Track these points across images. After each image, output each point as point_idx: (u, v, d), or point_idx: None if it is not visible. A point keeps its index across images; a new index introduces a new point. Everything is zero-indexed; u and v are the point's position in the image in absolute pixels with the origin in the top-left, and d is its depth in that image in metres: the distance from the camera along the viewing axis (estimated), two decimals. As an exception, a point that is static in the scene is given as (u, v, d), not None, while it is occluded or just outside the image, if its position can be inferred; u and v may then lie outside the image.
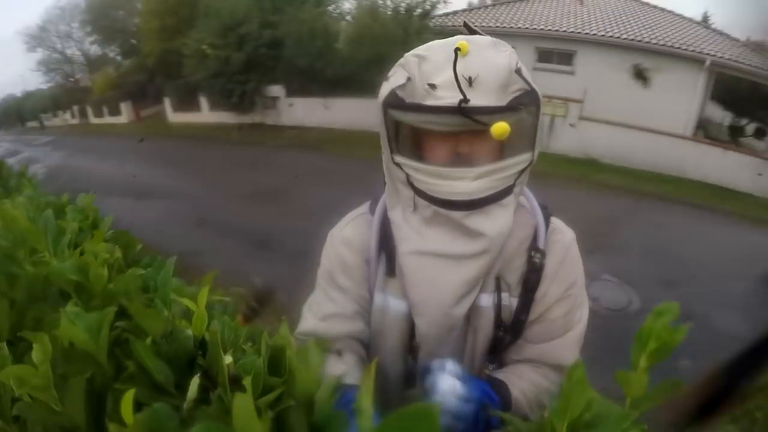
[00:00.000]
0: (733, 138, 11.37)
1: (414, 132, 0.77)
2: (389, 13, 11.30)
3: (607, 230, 5.89)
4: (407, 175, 0.76)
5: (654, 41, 10.17)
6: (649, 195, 7.90)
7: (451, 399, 0.68)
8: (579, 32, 10.73)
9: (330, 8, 13.57)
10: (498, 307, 0.80)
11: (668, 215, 6.95)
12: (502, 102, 0.69)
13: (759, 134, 11.29)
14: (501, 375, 0.81)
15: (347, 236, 0.88)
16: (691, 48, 10.00)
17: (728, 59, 9.81)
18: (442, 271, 0.77)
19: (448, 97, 0.67)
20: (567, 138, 9.93)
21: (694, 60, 9.92)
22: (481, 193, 0.73)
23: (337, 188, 5.55)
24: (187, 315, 0.65)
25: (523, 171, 0.76)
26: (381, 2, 11.51)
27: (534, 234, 0.82)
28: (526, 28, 11.09)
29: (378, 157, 0.79)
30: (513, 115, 0.69)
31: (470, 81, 0.67)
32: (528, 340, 0.83)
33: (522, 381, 0.79)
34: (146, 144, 13.58)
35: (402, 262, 0.80)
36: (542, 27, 11.07)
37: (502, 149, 0.76)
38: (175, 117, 17.00)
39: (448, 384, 0.69)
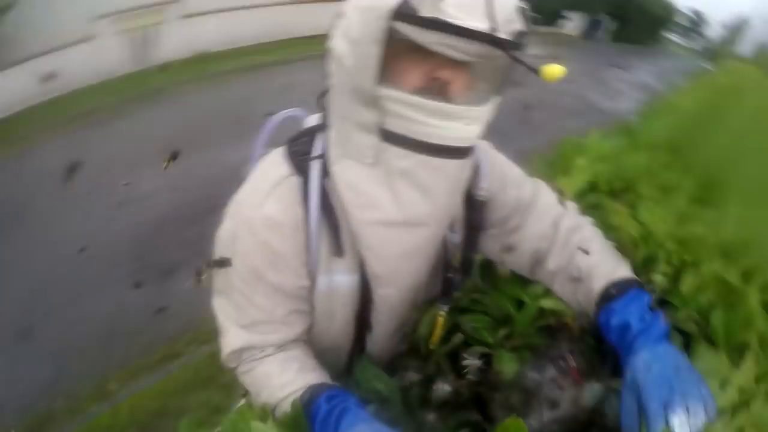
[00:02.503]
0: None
1: (408, 57, 0.55)
2: None
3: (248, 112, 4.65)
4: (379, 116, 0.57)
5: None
6: (276, 62, 8.21)
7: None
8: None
9: None
10: (444, 246, 0.73)
11: (299, 72, 6.29)
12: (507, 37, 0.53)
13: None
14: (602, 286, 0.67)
15: (272, 216, 0.64)
16: None
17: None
18: (416, 239, 0.65)
19: (461, 18, 0.50)
20: (175, 43, 8.71)
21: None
22: (476, 140, 0.60)
23: None
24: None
25: None
26: None
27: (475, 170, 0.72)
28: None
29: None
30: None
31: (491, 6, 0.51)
32: (537, 235, 0.76)
33: (603, 256, 0.72)
34: None
35: (362, 233, 0.63)
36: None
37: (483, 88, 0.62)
38: None
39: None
